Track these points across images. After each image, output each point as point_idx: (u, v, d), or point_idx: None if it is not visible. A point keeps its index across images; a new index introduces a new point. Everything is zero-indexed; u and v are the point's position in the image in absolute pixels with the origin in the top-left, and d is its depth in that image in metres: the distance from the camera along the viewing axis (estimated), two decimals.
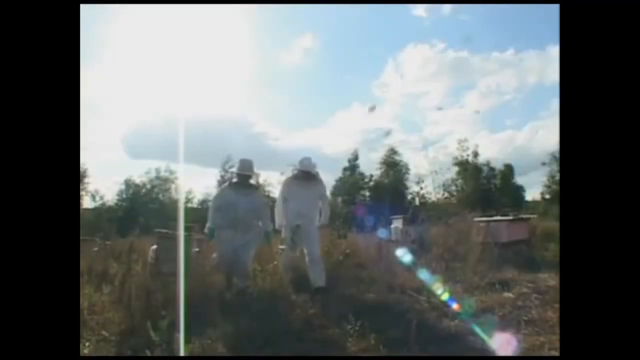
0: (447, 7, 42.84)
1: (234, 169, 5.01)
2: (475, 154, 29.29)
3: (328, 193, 5.54)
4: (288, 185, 5.17)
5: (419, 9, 46.27)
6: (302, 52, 46.83)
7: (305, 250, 4.93)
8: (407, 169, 30.80)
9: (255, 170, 5.01)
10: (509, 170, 30.16)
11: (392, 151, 30.96)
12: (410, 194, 30.12)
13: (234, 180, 4.91)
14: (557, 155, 26.04)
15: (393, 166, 30.59)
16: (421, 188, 28.45)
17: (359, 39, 49.53)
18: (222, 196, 4.86)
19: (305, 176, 5.08)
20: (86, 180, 26.37)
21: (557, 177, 26.35)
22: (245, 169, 4.85)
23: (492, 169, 30.01)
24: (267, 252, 5.37)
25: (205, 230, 4.76)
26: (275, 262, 4.89)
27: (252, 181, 4.95)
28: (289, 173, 5.25)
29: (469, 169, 29.19)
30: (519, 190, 30.07)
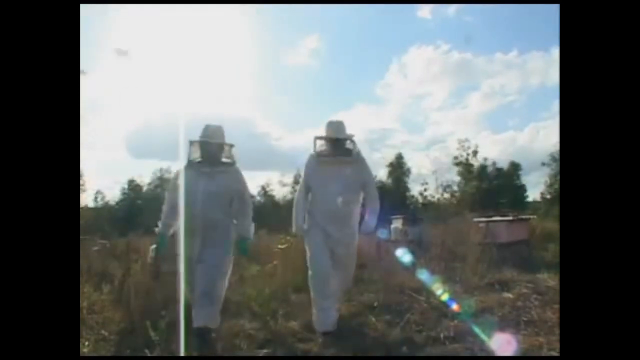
0: (451, 9, 43.03)
1: (196, 139, 3.20)
2: (475, 154, 29.30)
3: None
4: (311, 165, 3.32)
5: (424, 11, 46.46)
6: (307, 52, 47.06)
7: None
8: (410, 171, 31.02)
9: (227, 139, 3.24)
10: (513, 169, 30.14)
11: (400, 156, 31.28)
12: (412, 195, 30.28)
13: (196, 156, 3.18)
14: (556, 155, 26.05)
15: (398, 168, 30.75)
16: (425, 189, 28.56)
17: (363, 39, 49.74)
18: (178, 183, 3.10)
19: (335, 149, 3.26)
20: (87, 179, 26.39)
21: (557, 178, 26.35)
22: (212, 136, 3.16)
23: (498, 169, 30.03)
24: (267, 252, 5.36)
25: (157, 231, 3.19)
26: (275, 262, 4.87)
27: (225, 157, 3.23)
28: (314, 149, 3.34)
29: (469, 169, 29.19)
30: (520, 190, 30.05)
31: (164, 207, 3.22)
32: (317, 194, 3.29)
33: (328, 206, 3.21)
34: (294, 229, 3.43)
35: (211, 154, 3.18)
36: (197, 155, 3.21)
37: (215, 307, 3.02)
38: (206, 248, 3.04)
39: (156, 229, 3.20)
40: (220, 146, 3.22)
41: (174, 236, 3.08)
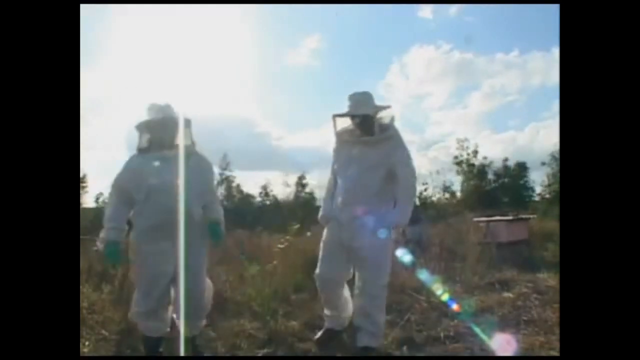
0: (452, 9, 43.12)
1: (141, 121, 2.65)
2: (475, 153, 29.31)
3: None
4: (335, 148, 2.95)
5: (425, 11, 46.59)
6: (308, 52, 47.26)
7: (357, 279, 2.81)
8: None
9: (175, 112, 2.68)
10: (519, 169, 30.13)
11: None
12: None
13: (144, 141, 2.64)
14: (557, 155, 26.08)
15: None
16: (426, 190, 28.59)
17: (364, 40, 49.87)
18: (131, 171, 2.60)
19: (359, 127, 2.79)
20: (87, 179, 26.37)
21: (557, 177, 26.37)
22: (162, 111, 2.62)
23: (506, 167, 30.04)
24: (267, 252, 5.35)
25: (99, 245, 2.68)
26: (275, 262, 4.87)
27: (179, 139, 2.65)
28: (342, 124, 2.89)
29: (468, 169, 29.20)
30: (524, 190, 30.05)
31: (112, 207, 2.59)
32: (338, 180, 2.87)
33: (343, 193, 2.77)
34: (319, 218, 3.00)
35: (165, 136, 2.62)
36: (148, 141, 2.65)
37: (201, 316, 2.73)
38: (190, 247, 2.52)
39: (101, 237, 2.55)
40: (175, 124, 2.63)
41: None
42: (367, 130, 2.75)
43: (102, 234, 2.53)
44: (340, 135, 2.88)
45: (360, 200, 2.70)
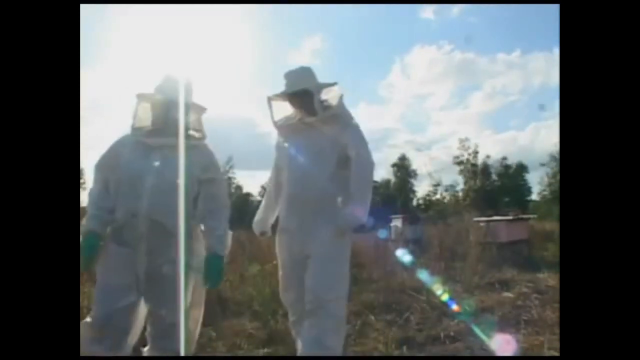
0: (454, 9, 43.20)
1: (146, 93, 2.09)
2: (476, 153, 29.37)
3: None
4: (277, 140, 2.48)
5: (427, 11, 46.67)
6: (310, 52, 47.35)
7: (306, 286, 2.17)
8: (415, 172, 31.21)
9: (194, 98, 2.10)
10: (519, 169, 30.19)
11: (404, 157, 31.47)
12: (417, 195, 30.43)
13: (145, 122, 2.09)
14: (556, 155, 26.11)
15: (402, 168, 30.91)
16: (436, 192, 28.70)
17: (366, 40, 49.96)
18: (112, 155, 2.10)
19: (302, 107, 2.28)
20: (87, 179, 26.37)
21: (557, 177, 26.40)
22: (169, 90, 2.03)
23: (507, 167, 30.11)
24: (267, 251, 5.34)
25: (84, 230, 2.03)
26: (275, 262, 4.86)
27: (195, 130, 2.14)
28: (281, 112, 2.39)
29: (469, 169, 29.25)
30: (524, 190, 30.11)
31: (96, 191, 2.08)
32: (284, 179, 2.35)
33: (289, 195, 2.27)
34: (254, 226, 2.56)
35: (169, 118, 2.01)
36: (147, 120, 2.09)
37: (195, 334, 2.24)
38: (155, 267, 1.98)
39: (82, 226, 2.02)
40: (185, 108, 2.04)
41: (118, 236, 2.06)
42: (310, 110, 2.25)
43: (84, 223, 2.04)
44: (281, 127, 2.38)
45: (309, 198, 2.19)
